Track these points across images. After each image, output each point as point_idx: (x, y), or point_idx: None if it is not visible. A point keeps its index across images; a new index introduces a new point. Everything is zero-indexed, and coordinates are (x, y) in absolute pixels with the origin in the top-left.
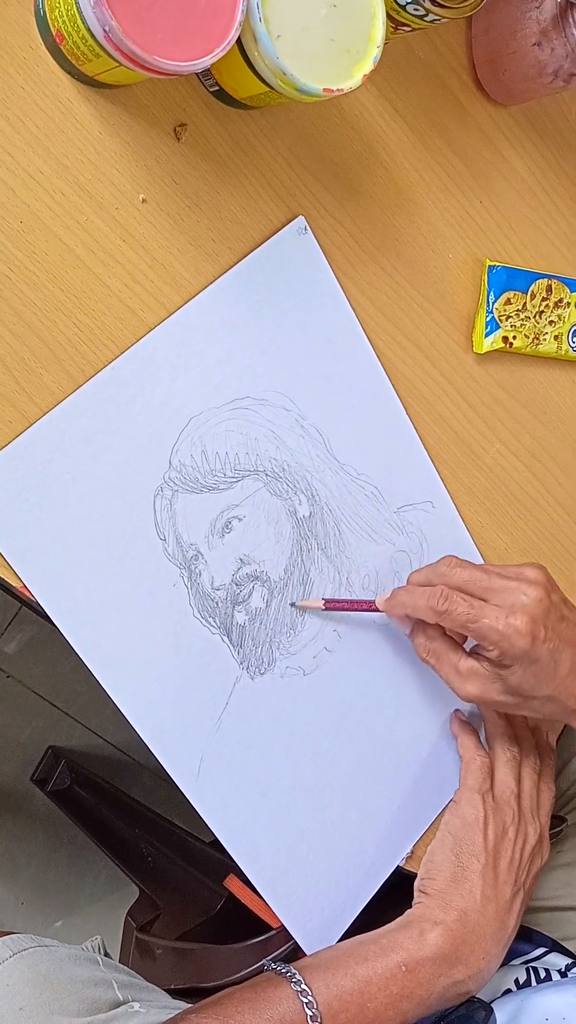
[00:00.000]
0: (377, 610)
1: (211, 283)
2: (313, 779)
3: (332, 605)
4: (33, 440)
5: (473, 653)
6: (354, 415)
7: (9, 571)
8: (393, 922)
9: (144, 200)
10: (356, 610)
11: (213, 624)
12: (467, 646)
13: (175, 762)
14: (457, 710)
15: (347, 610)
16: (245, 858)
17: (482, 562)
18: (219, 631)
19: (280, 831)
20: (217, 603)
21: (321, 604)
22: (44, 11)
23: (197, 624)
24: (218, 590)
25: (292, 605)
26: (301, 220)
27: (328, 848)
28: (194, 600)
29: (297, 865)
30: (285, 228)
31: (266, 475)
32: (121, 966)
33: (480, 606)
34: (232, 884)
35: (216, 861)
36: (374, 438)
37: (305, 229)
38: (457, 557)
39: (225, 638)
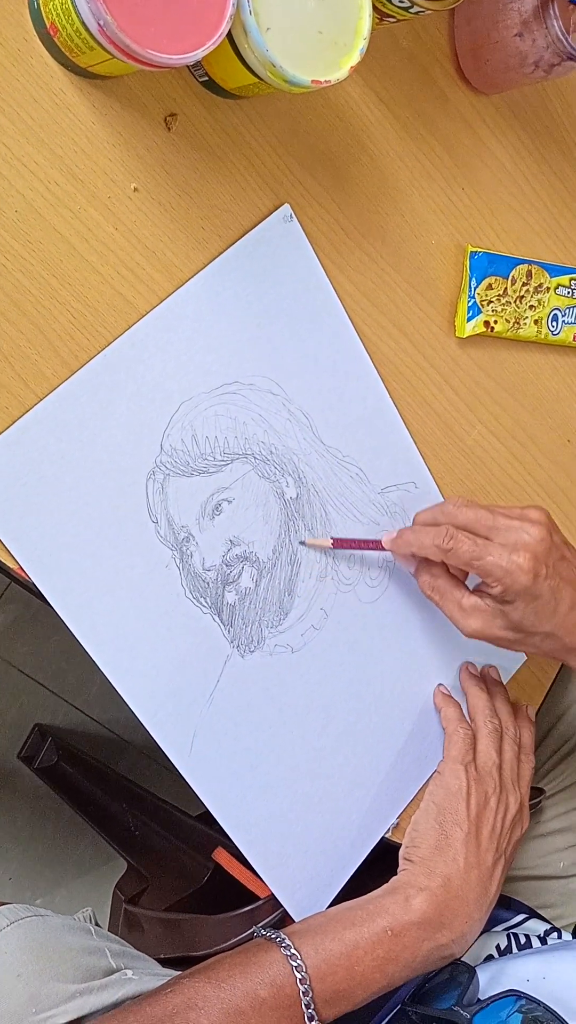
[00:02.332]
0: (383, 549)
1: (200, 270)
2: (302, 753)
3: (340, 544)
4: (29, 427)
5: (476, 590)
6: (339, 399)
7: (6, 554)
8: (379, 889)
9: (136, 189)
10: (363, 549)
11: (204, 604)
12: (470, 585)
13: (168, 738)
14: (440, 684)
15: (354, 549)
16: (236, 830)
17: None
18: (210, 611)
19: (270, 803)
20: (208, 583)
21: (329, 543)
22: (38, 4)
23: (189, 604)
24: (209, 571)
25: (301, 543)
26: (287, 208)
27: (316, 819)
28: (186, 581)
29: (286, 836)
30: (271, 216)
31: (254, 458)
32: (112, 935)
33: (484, 544)
34: (220, 856)
35: (202, 834)
36: (358, 421)
37: (291, 217)
38: (463, 497)
39: (216, 617)
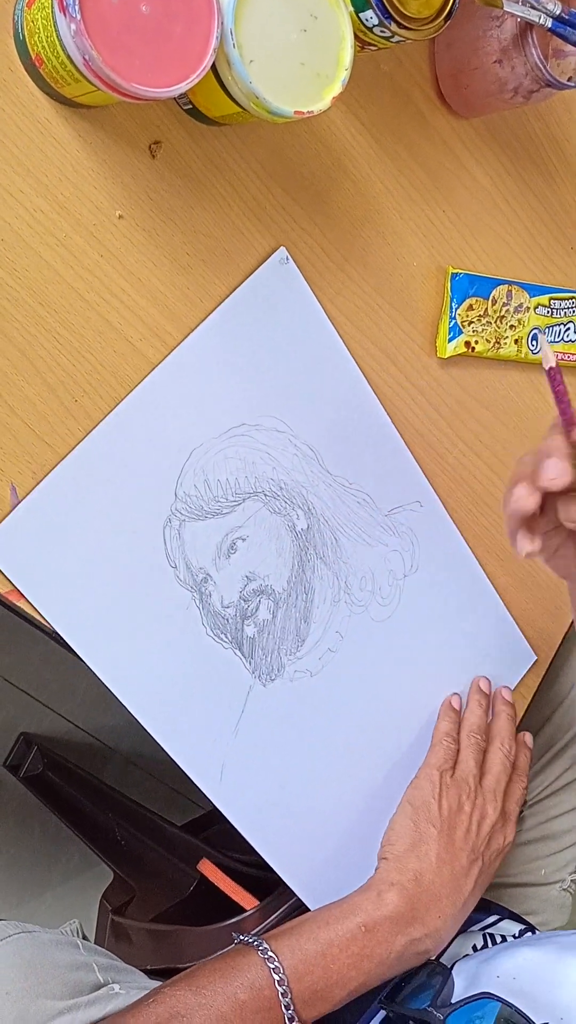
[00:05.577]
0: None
1: (201, 317)
2: (324, 771)
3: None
4: (49, 489)
5: None
6: (342, 429)
7: (35, 612)
8: (355, 889)
9: (121, 216)
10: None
11: (225, 640)
12: None
13: (199, 771)
14: (456, 693)
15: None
16: (269, 851)
17: (468, 550)
18: (231, 646)
19: (296, 818)
20: (228, 620)
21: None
22: (24, 36)
23: (211, 642)
24: (228, 607)
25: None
26: (283, 251)
27: (336, 827)
28: (206, 620)
29: (310, 846)
30: (268, 260)
31: (265, 495)
32: (100, 948)
33: None
34: (205, 867)
35: (187, 844)
36: (362, 448)
37: (287, 259)
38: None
39: (237, 651)
